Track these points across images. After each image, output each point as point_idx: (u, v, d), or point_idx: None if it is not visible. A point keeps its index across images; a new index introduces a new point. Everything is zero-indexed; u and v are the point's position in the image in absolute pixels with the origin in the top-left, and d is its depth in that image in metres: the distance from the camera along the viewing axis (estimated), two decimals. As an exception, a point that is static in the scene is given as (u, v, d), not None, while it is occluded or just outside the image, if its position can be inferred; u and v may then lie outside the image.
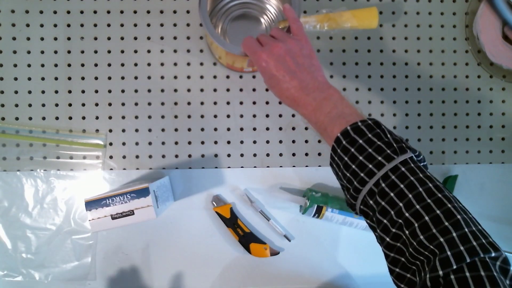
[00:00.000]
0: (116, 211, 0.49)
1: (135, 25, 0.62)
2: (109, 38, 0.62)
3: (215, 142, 0.63)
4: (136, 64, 0.62)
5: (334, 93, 0.43)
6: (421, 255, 0.33)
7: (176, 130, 0.63)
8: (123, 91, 0.62)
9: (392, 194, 0.36)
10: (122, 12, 0.62)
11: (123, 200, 0.49)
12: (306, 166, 0.64)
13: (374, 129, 0.39)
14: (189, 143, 0.63)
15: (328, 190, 0.62)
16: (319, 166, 0.64)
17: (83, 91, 0.62)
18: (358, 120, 0.40)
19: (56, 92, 0.62)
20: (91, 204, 0.49)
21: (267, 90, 0.63)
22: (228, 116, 0.63)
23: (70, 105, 0.62)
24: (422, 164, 0.40)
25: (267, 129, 0.63)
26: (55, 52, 0.62)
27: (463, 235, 0.32)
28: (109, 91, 0.62)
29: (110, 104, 0.62)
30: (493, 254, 0.31)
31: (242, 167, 0.63)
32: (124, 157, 0.62)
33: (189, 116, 0.63)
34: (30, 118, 0.62)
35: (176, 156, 0.63)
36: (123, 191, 0.49)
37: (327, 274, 0.63)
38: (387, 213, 0.36)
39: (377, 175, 0.37)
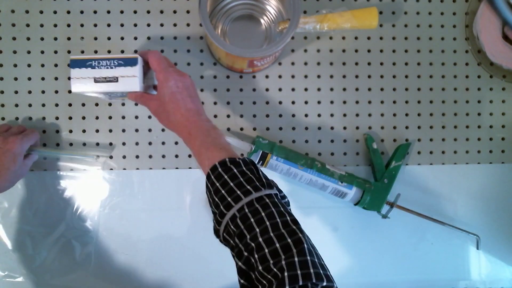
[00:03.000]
0: (100, 75, 0.47)
1: (135, 25, 0.62)
2: (109, 38, 0.62)
3: (215, 142, 0.63)
4: (136, 64, 0.62)
5: (215, 126, 0.48)
6: (264, 279, 0.35)
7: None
8: (123, 91, 0.62)
9: (252, 220, 0.38)
10: (122, 12, 0.62)
11: (109, 65, 0.47)
12: (306, 166, 0.64)
13: (248, 165, 0.42)
14: (189, 143, 0.63)
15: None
16: (319, 166, 0.64)
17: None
18: (237, 156, 0.43)
19: (56, 92, 0.62)
20: (76, 62, 0.47)
21: (267, 90, 0.63)
22: (228, 116, 0.63)
23: (70, 105, 0.62)
24: (285, 201, 0.43)
25: (267, 129, 0.63)
26: (55, 52, 0.62)
27: (303, 261, 0.34)
28: (109, 91, 0.62)
29: (110, 104, 0.62)
30: (324, 284, 0.34)
31: (242, 167, 0.63)
32: (124, 157, 0.62)
33: (189, 116, 0.63)
34: (30, 118, 0.62)
35: (176, 156, 0.63)
36: (111, 56, 0.48)
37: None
38: (244, 237, 0.37)
39: (243, 201, 0.39)
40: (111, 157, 0.62)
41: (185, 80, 0.48)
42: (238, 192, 0.39)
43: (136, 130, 0.62)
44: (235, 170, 0.41)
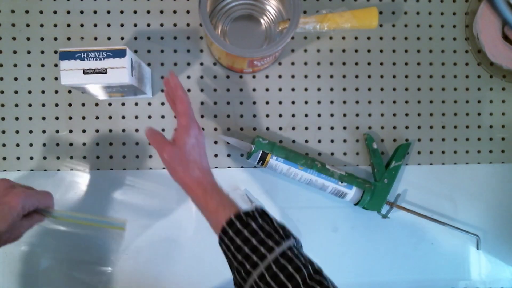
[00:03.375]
0: (89, 66, 0.48)
1: (135, 25, 0.62)
2: (109, 38, 0.62)
3: (215, 142, 0.63)
4: (136, 64, 0.62)
5: (216, 183, 0.48)
6: None
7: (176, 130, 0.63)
8: (123, 91, 0.62)
9: (282, 277, 0.39)
10: (122, 12, 0.62)
11: (97, 57, 0.48)
12: (306, 166, 0.64)
13: (263, 216, 0.44)
14: (189, 143, 0.63)
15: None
16: (319, 166, 0.64)
17: (83, 91, 0.62)
18: (251, 209, 0.44)
19: (56, 92, 0.62)
20: (65, 54, 0.48)
21: (267, 90, 0.63)
22: (228, 116, 0.63)
23: (70, 105, 0.62)
24: (300, 246, 0.44)
25: (267, 129, 0.63)
26: (55, 52, 0.62)
27: None
28: (109, 91, 0.62)
29: (110, 104, 0.62)
30: None
31: (242, 167, 0.63)
32: (124, 157, 0.62)
33: (189, 116, 0.63)
34: (30, 118, 0.62)
35: (176, 156, 0.63)
36: (99, 48, 0.48)
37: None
38: None
39: (268, 259, 0.40)
40: (111, 157, 0.62)
41: (202, 134, 0.50)
42: (262, 249, 0.40)
43: (136, 130, 0.62)
44: (253, 225, 0.42)
